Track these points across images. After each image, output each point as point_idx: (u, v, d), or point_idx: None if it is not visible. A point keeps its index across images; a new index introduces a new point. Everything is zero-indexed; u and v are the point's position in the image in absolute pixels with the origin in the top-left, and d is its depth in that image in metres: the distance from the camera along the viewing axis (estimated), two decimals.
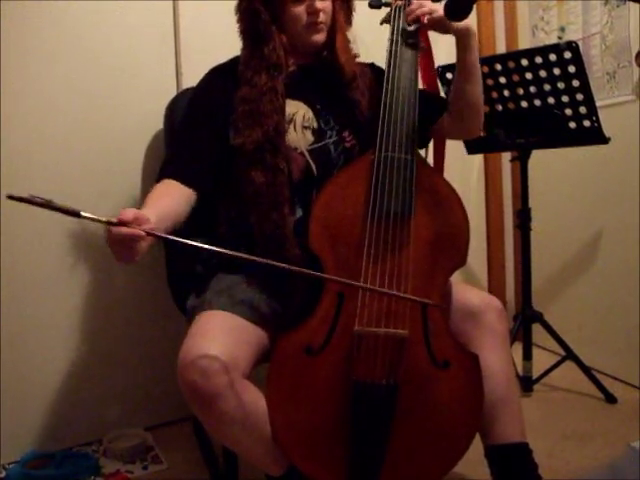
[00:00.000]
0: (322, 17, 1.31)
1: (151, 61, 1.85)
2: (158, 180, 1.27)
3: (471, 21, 1.25)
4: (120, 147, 1.82)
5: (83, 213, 0.91)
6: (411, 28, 1.30)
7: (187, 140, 1.34)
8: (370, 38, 1.40)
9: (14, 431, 1.70)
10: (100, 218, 0.94)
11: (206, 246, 1.01)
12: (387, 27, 1.36)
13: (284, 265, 1.05)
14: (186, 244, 1.00)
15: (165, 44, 1.87)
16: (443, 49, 1.73)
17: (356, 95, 1.36)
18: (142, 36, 1.83)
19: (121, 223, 0.96)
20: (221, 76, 1.37)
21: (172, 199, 1.21)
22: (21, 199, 0.85)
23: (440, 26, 1.28)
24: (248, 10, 1.31)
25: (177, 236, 1.03)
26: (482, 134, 1.41)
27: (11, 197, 0.85)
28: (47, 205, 0.88)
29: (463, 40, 1.29)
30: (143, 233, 0.98)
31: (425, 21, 1.28)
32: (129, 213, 0.98)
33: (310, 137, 1.32)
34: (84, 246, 1.79)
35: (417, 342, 1.16)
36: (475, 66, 1.33)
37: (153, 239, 1.01)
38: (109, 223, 0.96)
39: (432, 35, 1.46)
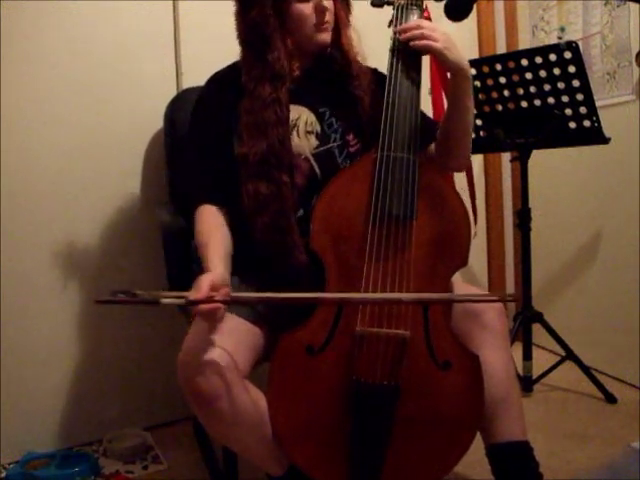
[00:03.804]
0: (328, 16, 1.30)
1: (151, 61, 1.85)
2: (184, 203, 1.31)
3: (470, 23, 1.23)
4: (120, 147, 1.82)
5: (163, 300, 0.97)
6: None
7: (204, 160, 1.32)
8: (373, 39, 1.39)
9: (14, 431, 1.70)
10: (179, 301, 1.00)
11: (281, 295, 1.06)
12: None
13: (298, 295, 1.08)
14: (252, 298, 1.13)
15: (165, 44, 1.88)
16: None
17: (359, 92, 1.35)
18: (142, 36, 1.83)
19: (199, 301, 1.00)
20: (220, 86, 1.36)
21: (222, 230, 1.24)
22: (108, 301, 0.93)
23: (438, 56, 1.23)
24: (258, 17, 1.26)
25: None
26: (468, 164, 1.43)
27: (99, 301, 0.93)
28: (131, 300, 0.95)
29: (459, 76, 1.24)
30: (220, 306, 1.03)
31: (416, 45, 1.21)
32: (204, 288, 1.01)
33: (314, 141, 1.31)
34: (84, 246, 1.79)
35: (418, 343, 1.15)
36: (467, 107, 1.28)
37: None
38: (189, 303, 1.01)
39: None
